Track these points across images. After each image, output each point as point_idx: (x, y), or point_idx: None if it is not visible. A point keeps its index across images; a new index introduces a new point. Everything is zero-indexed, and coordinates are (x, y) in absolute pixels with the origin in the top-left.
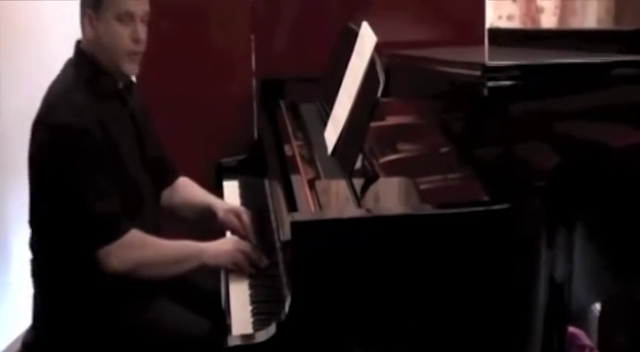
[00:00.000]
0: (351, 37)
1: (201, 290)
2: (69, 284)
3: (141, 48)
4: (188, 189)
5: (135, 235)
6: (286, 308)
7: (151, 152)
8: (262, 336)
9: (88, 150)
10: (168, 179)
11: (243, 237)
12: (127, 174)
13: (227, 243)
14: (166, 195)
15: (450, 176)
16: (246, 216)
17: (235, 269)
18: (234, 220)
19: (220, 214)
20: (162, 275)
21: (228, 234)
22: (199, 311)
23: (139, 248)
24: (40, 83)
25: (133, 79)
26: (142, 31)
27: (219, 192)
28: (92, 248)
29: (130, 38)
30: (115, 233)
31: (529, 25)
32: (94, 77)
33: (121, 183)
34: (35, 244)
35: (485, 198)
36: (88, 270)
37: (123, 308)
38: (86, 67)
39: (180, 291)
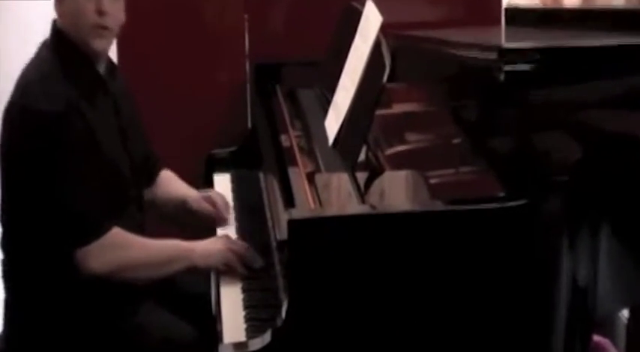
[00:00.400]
0: (355, 17)
1: (190, 294)
2: (44, 288)
3: (109, 22)
4: (168, 183)
5: (117, 234)
6: (283, 314)
7: (135, 144)
8: (257, 344)
9: (65, 140)
10: (154, 173)
11: (219, 222)
12: (109, 167)
13: (218, 242)
14: (150, 190)
15: (463, 169)
16: (220, 199)
17: (227, 271)
18: (207, 207)
19: (193, 206)
20: (147, 277)
21: (219, 231)
22: (188, 317)
23: (122, 248)
24: (19, 65)
25: (115, 61)
26: (109, 3)
27: (209, 186)
28: (69, 248)
29: (94, 10)
30: (94, 232)
31: (550, 4)
32: (71, 60)
33: (101, 177)
34: (6, 243)
35: (501, 194)
36: (65, 273)
37: (104, 315)
38: (63, 49)
39: (167, 295)
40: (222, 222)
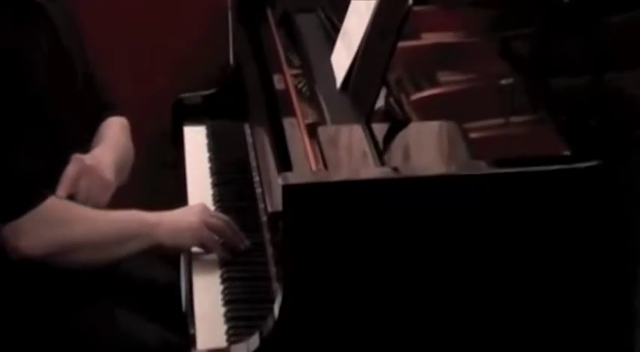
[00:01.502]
0: None
1: (153, 285)
2: None
3: None
4: (100, 135)
5: (55, 204)
6: (275, 312)
7: (83, 86)
8: (240, 351)
9: None
10: (98, 123)
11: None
12: (47, 119)
13: (190, 214)
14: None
15: (514, 119)
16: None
17: (202, 253)
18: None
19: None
20: (95, 260)
21: (192, 198)
22: (151, 316)
23: (62, 222)
24: None
25: None
26: None
27: (177, 142)
28: None
29: None
30: (26, 201)
31: None
32: None
33: (36, 132)
34: None
35: (566, 152)
36: None
37: (42, 312)
38: None
39: (124, 286)
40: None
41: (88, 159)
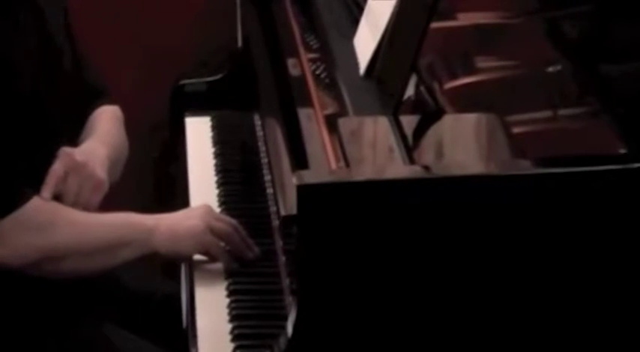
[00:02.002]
0: None
1: (150, 298)
2: None
3: None
4: (90, 127)
5: (38, 206)
6: (289, 328)
7: (70, 70)
8: None
9: None
10: (88, 112)
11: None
12: (30, 107)
13: (192, 217)
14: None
15: (562, 112)
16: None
17: (206, 261)
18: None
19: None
20: (83, 270)
21: (194, 199)
22: (147, 332)
23: (45, 227)
24: None
25: None
26: None
27: (178, 133)
28: None
29: None
30: (5, 203)
31: None
32: None
33: (17, 122)
34: None
35: (622, 150)
36: None
37: (22, 328)
38: None
39: (116, 299)
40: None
41: (77, 154)
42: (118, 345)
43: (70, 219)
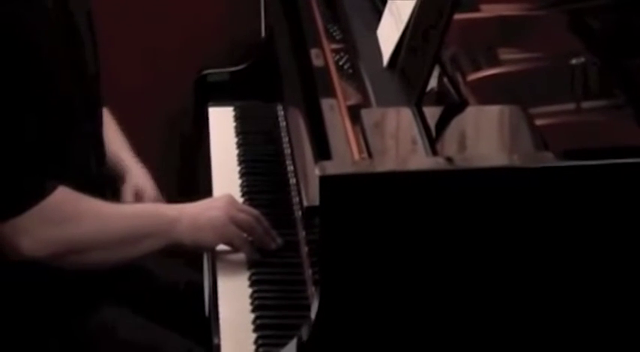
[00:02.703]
0: None
1: (172, 287)
2: None
3: None
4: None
5: (62, 198)
6: (312, 319)
7: (94, 63)
8: None
9: None
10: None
11: None
12: (55, 98)
13: (215, 208)
14: None
15: (587, 105)
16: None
17: (228, 251)
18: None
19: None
20: (106, 262)
21: (217, 189)
22: (170, 322)
23: (69, 219)
24: None
25: None
26: None
27: (201, 124)
28: None
29: None
30: (30, 195)
31: None
32: None
33: (43, 113)
34: None
35: None
36: None
37: (43, 317)
38: None
39: (139, 288)
40: None
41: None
42: (140, 334)
43: (94, 211)
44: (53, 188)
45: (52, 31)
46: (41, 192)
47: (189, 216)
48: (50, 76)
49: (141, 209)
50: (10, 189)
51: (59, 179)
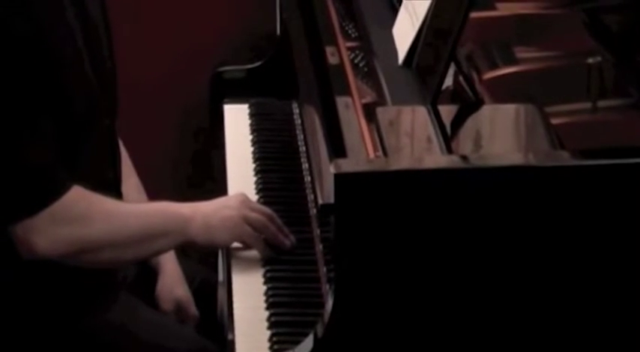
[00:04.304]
0: None
1: (189, 285)
2: None
3: None
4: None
5: (76, 197)
6: (326, 317)
7: (108, 60)
8: None
9: (5, 49)
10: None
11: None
12: (68, 94)
13: (229, 206)
14: None
15: (603, 104)
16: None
17: (243, 249)
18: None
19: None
20: (119, 260)
21: (232, 186)
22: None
23: (82, 218)
24: None
25: None
26: None
27: (216, 121)
28: (6, 220)
29: None
30: (44, 194)
31: None
32: None
33: (57, 110)
34: None
35: None
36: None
37: (57, 312)
38: None
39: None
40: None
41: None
42: (153, 331)
43: (106, 211)
44: (67, 187)
45: (69, 26)
46: (55, 192)
47: (202, 214)
48: (67, 74)
49: (154, 208)
50: (24, 189)
51: (73, 178)
